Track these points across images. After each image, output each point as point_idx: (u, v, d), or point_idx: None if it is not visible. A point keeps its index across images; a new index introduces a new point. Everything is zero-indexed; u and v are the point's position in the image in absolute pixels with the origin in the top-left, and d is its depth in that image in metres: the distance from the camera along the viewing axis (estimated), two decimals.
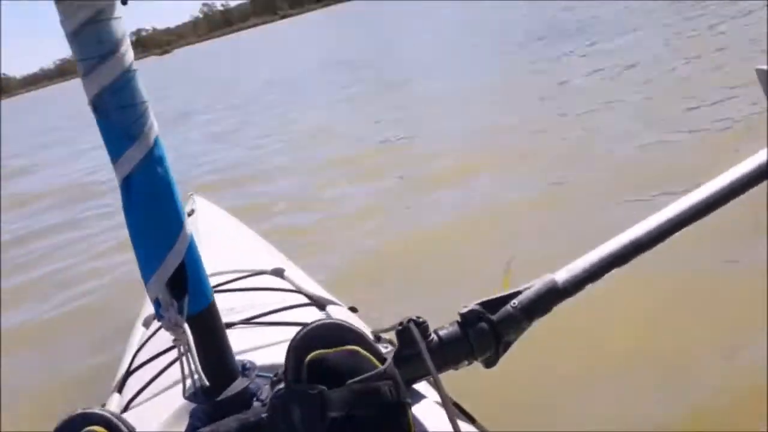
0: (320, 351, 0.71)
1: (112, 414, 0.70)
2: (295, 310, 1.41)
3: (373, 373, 0.70)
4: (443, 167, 5.03)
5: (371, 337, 0.80)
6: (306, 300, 1.52)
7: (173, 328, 0.82)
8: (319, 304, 1.50)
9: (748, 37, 6.04)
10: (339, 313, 1.44)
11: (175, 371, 1.10)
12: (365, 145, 6.69)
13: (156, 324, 1.53)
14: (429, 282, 3.12)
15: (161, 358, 1.25)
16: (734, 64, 5.32)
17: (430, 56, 12.65)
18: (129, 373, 1.35)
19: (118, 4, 0.77)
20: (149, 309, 1.77)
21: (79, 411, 0.71)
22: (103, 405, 1.43)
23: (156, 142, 0.80)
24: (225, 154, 8.53)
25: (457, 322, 0.88)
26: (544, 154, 4.72)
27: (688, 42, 7.05)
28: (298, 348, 0.72)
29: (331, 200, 5.13)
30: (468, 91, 8.07)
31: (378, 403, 0.68)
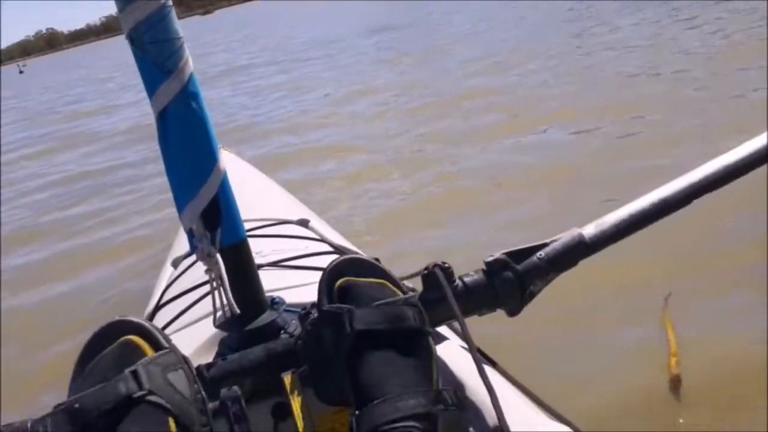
0: (350, 277, 0.74)
1: (151, 324, 0.72)
2: (319, 256, 1.44)
3: (398, 297, 0.72)
4: None
5: None
6: (330, 248, 1.54)
7: (206, 258, 0.85)
8: (343, 253, 1.52)
9: None
10: None
11: (203, 306, 1.14)
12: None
13: (185, 264, 1.57)
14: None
15: (190, 294, 1.28)
16: None
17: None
18: (158, 307, 1.39)
19: None
20: (178, 250, 1.82)
21: (117, 318, 0.73)
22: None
23: (191, 77, 0.82)
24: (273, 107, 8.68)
25: (483, 270, 0.88)
26: None
27: None
28: (331, 273, 0.75)
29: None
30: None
31: (401, 324, 0.70)
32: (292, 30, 24.18)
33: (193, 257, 1.57)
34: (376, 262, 0.79)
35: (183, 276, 1.49)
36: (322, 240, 1.59)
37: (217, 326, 0.90)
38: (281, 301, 0.94)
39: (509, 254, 0.89)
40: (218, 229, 0.86)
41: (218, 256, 0.85)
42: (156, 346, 0.70)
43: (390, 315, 0.69)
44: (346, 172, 4.92)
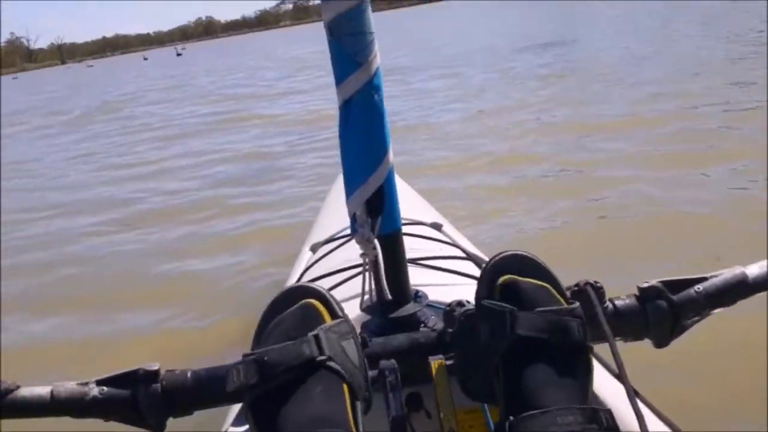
0: (514, 276, 0.74)
1: (328, 292, 0.77)
2: (453, 260, 1.45)
3: (564, 306, 0.71)
4: None
5: None
6: (462, 254, 1.55)
7: (364, 242, 0.89)
8: (476, 260, 1.53)
9: None
10: None
11: (345, 289, 1.19)
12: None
13: (323, 249, 1.64)
14: None
15: (330, 277, 1.34)
16: None
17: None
18: None
19: None
20: (316, 236, 1.91)
21: (300, 284, 0.79)
22: None
23: (377, 71, 0.87)
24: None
25: (635, 295, 0.86)
26: None
27: None
28: (495, 268, 0.75)
29: None
30: None
31: (564, 337, 0.69)
32: (446, 36, 24.40)
33: (332, 244, 1.65)
34: (542, 262, 0.78)
35: (322, 260, 1.56)
36: (455, 245, 1.61)
37: (362, 309, 0.94)
38: (424, 296, 0.97)
39: (665, 283, 0.86)
40: (379, 217, 0.90)
41: (376, 242, 0.89)
42: (332, 312, 0.74)
43: (554, 325, 0.69)
44: (490, 186, 4.90)
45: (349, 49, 0.85)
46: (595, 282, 0.84)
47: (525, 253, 0.77)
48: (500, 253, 0.77)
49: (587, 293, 0.81)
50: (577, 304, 0.73)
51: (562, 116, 6.93)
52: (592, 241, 3.62)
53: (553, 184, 4.74)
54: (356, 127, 0.88)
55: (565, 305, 0.72)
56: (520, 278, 0.73)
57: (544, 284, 0.74)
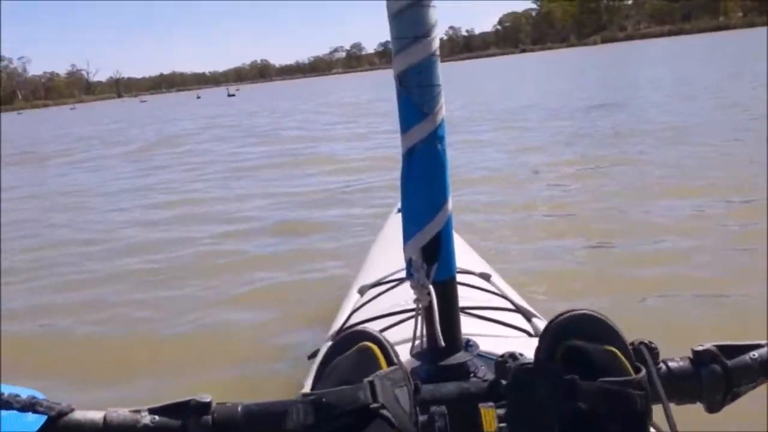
0: (580, 342, 0.72)
1: (384, 338, 0.78)
2: (502, 312, 1.45)
3: (630, 378, 0.70)
4: None
5: None
6: (511, 306, 1.55)
7: (419, 288, 0.90)
8: (525, 313, 1.52)
9: None
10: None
11: (394, 333, 1.20)
12: None
13: (371, 292, 1.66)
14: None
15: (379, 320, 1.35)
16: None
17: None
18: (343, 330, 1.48)
19: None
20: (364, 278, 1.92)
21: (358, 328, 0.81)
22: (314, 353, 1.58)
23: (442, 122, 0.90)
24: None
25: (689, 358, 0.85)
26: None
27: None
28: (558, 329, 0.74)
29: None
30: None
31: (626, 410, 0.67)
32: (494, 91, 24.55)
33: (381, 287, 1.67)
34: (610, 322, 0.76)
35: (370, 303, 1.58)
36: (504, 296, 1.61)
37: (413, 355, 0.94)
38: (475, 345, 0.97)
39: (720, 348, 0.84)
40: (435, 264, 0.91)
41: (431, 287, 0.90)
42: (387, 358, 0.76)
43: (617, 398, 0.68)
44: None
45: (417, 99, 0.88)
46: (650, 342, 0.83)
47: (593, 313, 0.75)
48: (567, 312, 0.75)
49: (642, 353, 0.80)
50: (643, 372, 0.72)
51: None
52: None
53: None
54: (418, 175, 0.90)
55: (632, 373, 0.71)
56: (585, 343, 0.72)
57: (611, 348, 0.72)
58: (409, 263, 0.92)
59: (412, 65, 0.87)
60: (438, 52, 0.89)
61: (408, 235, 0.91)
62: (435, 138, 0.89)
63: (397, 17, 0.87)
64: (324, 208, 7.04)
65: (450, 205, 0.92)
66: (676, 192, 6.07)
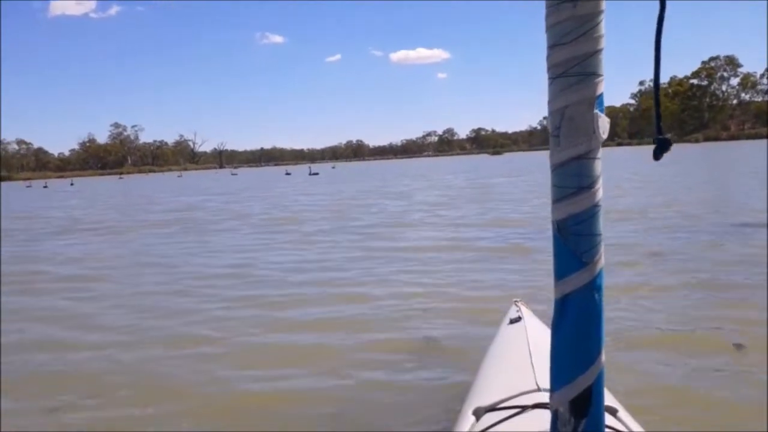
0: None
1: None
2: None
3: None
4: None
5: None
6: None
7: None
8: None
9: None
10: None
11: None
12: None
13: (489, 418, 1.58)
14: None
15: None
16: None
17: None
18: None
19: (600, 145, 0.87)
20: (478, 397, 1.81)
21: None
22: None
23: (600, 271, 0.87)
24: None
25: None
26: None
27: None
28: None
29: None
30: None
31: None
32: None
33: (500, 413, 1.58)
34: None
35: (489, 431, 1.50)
36: None
37: None
38: None
39: None
40: (583, 420, 0.87)
41: None
42: None
43: None
44: None
45: (574, 247, 0.86)
46: None
47: None
48: None
49: None
50: None
51: None
52: None
53: None
54: (571, 324, 0.87)
55: None
56: None
57: None
58: (555, 414, 0.88)
59: (573, 214, 0.86)
60: (601, 202, 0.88)
61: (557, 384, 0.87)
62: (592, 288, 0.87)
63: (560, 168, 0.86)
64: None
65: (603, 358, 0.88)
66: None
